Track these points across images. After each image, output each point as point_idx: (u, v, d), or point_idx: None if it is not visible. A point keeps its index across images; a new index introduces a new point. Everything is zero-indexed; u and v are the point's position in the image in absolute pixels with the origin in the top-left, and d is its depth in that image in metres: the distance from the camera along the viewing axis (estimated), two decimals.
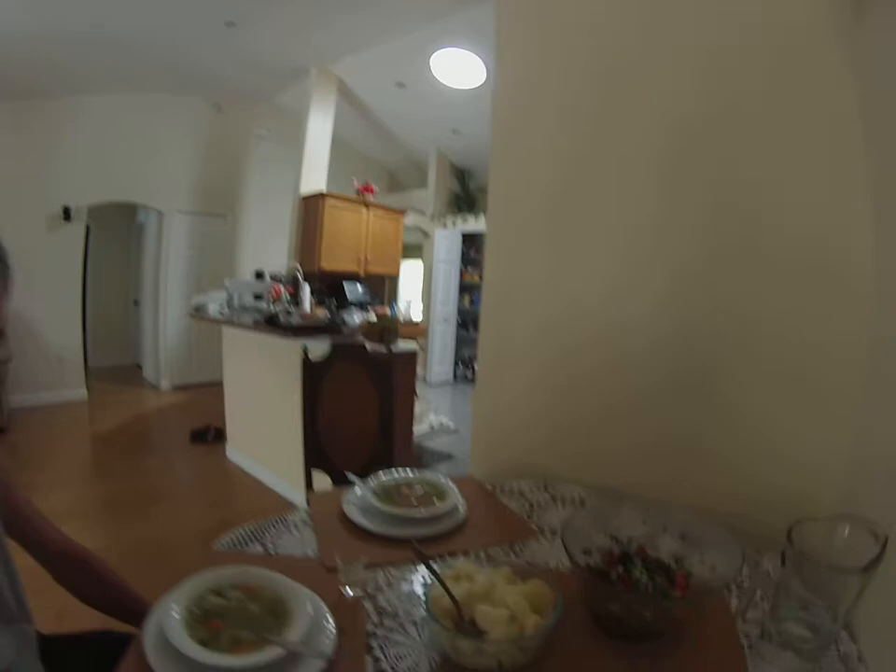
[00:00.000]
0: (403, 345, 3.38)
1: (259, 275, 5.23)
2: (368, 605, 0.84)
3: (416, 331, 5.38)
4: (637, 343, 1.32)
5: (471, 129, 5.64)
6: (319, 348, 2.00)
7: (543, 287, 1.49)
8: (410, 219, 6.63)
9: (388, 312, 5.12)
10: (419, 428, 4.35)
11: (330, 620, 0.76)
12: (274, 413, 3.10)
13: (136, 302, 6.65)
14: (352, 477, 1.28)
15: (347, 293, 5.65)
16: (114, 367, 6.82)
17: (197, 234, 5.89)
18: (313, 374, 1.90)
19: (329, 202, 5.16)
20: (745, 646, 0.75)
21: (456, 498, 1.18)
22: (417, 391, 3.69)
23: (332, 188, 5.32)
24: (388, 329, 3.21)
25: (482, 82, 4.56)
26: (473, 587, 0.76)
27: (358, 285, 5.83)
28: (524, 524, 1.16)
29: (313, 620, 0.74)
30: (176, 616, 0.72)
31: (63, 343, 5.06)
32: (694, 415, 1.24)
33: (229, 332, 3.71)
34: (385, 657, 0.73)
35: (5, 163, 4.55)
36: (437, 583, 0.76)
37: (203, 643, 0.68)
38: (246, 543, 1.01)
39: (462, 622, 0.72)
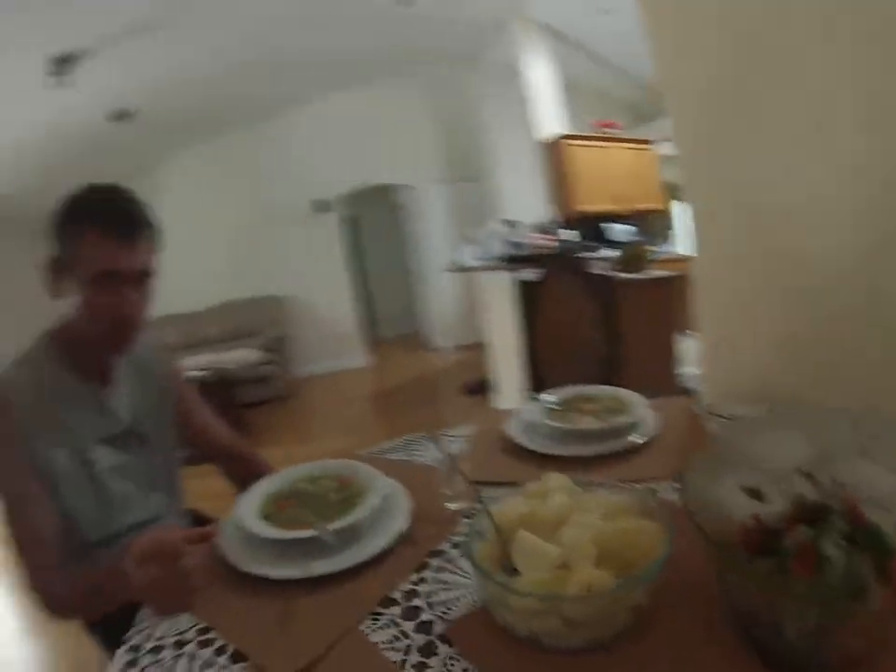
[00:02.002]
0: (656, 273, 2.92)
1: (510, 224, 5.24)
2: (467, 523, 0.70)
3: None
4: None
5: None
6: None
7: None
8: (667, 148, 5.71)
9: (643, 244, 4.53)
10: (688, 370, 3.72)
11: (403, 522, 0.69)
12: (514, 351, 3.05)
13: (412, 273, 7.24)
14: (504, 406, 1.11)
15: (608, 233, 5.23)
16: (397, 335, 7.56)
17: (452, 201, 6.22)
18: (527, 295, 1.78)
19: (569, 142, 4.92)
20: None
21: (639, 416, 0.91)
22: (689, 330, 3.16)
23: (576, 131, 5.03)
24: (635, 256, 2.82)
25: None
26: (535, 510, 0.54)
27: (619, 224, 5.32)
28: None
29: (371, 516, 0.69)
30: (262, 492, 0.77)
31: (340, 318, 5.96)
32: None
33: (482, 280, 3.78)
34: (425, 579, 0.60)
35: (265, 167, 5.63)
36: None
37: (266, 517, 0.71)
38: (392, 453, 0.98)
39: (502, 555, 0.51)
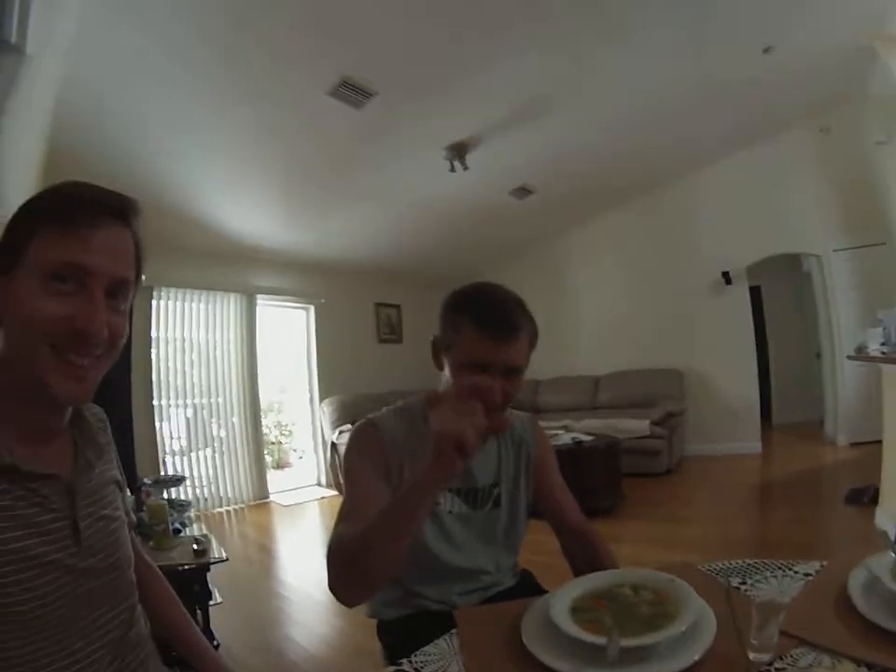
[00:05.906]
0: None
1: None
2: None
3: None
4: None
5: None
6: None
7: None
8: None
9: None
10: None
11: (688, 659, 0.65)
12: None
13: (818, 355, 6.33)
14: (884, 527, 0.94)
15: None
16: (798, 423, 6.73)
17: (859, 271, 5.19)
18: None
19: None
20: None
21: None
22: None
23: None
24: None
25: None
26: None
27: None
28: None
29: (664, 644, 0.67)
30: (585, 584, 0.82)
31: (738, 398, 5.45)
32: None
33: (887, 373, 3.11)
34: None
35: (662, 243, 5.67)
36: None
37: (573, 610, 0.75)
38: (721, 574, 0.92)
39: None
